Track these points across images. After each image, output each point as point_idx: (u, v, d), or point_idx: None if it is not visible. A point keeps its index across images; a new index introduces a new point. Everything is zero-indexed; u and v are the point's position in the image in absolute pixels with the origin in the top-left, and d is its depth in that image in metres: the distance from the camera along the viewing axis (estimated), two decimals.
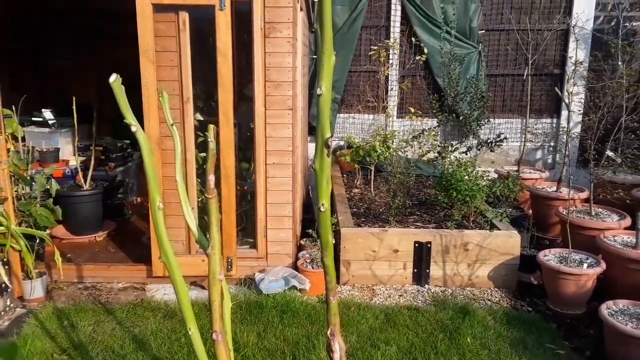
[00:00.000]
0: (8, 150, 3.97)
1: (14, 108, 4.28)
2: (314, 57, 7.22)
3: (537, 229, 5.10)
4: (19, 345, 3.29)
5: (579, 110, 6.71)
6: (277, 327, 3.64)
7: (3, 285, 3.71)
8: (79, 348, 3.33)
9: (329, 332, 1.73)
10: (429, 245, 4.35)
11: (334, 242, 1.73)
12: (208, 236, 1.74)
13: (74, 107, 4.93)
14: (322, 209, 1.63)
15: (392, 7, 7.14)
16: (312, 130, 7.33)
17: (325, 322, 3.68)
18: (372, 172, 6.07)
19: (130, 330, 3.59)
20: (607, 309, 3.34)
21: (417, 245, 4.37)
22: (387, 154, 5.83)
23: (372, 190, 5.98)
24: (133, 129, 1.51)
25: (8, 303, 3.79)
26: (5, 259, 3.73)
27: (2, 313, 3.72)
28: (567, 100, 5.71)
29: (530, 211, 5.69)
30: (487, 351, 3.42)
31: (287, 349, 3.37)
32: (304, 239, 4.87)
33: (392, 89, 7.28)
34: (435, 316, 3.85)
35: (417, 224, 4.79)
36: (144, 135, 1.56)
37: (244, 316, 3.78)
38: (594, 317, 3.89)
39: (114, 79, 1.43)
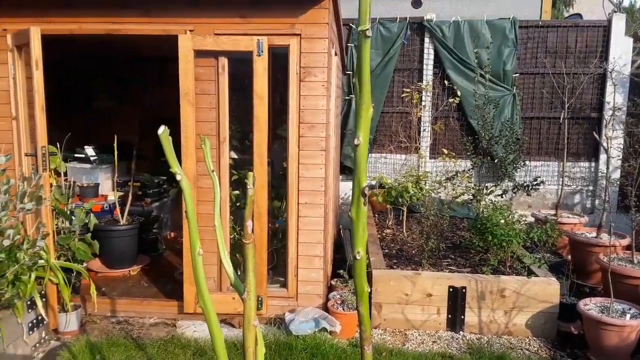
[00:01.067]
0: (51, 185, 4.12)
1: (58, 145, 4.46)
2: (347, 98, 7.33)
3: (577, 276, 4.92)
4: None
5: (618, 156, 6.56)
6: None
7: (40, 317, 3.78)
8: None
9: None
10: (463, 290, 4.24)
11: (369, 290, 1.71)
12: (239, 273, 1.75)
13: (115, 144, 5.11)
14: (357, 257, 1.62)
15: (425, 50, 7.24)
16: (343, 169, 7.38)
17: None
18: (405, 213, 6.02)
19: None
20: None
21: (451, 289, 4.27)
22: (420, 194, 5.79)
23: (404, 231, 5.92)
24: (178, 177, 1.55)
25: (43, 335, 3.85)
26: (43, 292, 3.81)
27: (37, 345, 3.78)
28: (605, 145, 5.59)
29: (570, 257, 5.52)
30: None
31: None
32: (335, 279, 4.83)
33: (424, 130, 7.29)
34: None
35: (451, 267, 4.69)
36: (188, 185, 1.60)
37: (273, 357, 3.74)
38: None
39: (162, 131, 1.49)
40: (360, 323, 1.67)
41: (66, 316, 3.98)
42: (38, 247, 3.42)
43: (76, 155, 6.51)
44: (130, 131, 7.00)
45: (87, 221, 4.60)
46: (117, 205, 5.38)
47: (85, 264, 4.33)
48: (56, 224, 4.24)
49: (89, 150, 6.53)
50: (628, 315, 3.78)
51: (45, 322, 3.85)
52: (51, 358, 3.68)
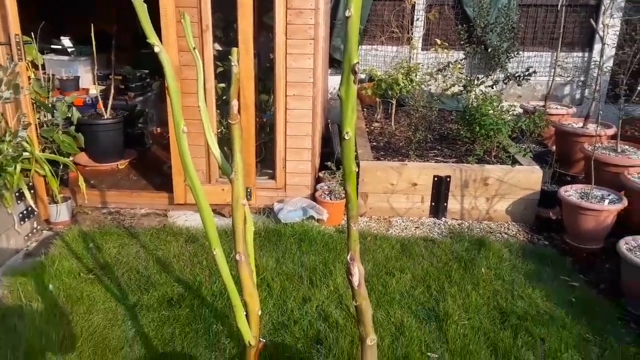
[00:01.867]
0: (29, 78, 3.96)
1: (32, 35, 4.22)
2: None
3: (560, 165, 5.02)
4: (47, 264, 3.43)
5: (613, 44, 6.40)
6: (295, 254, 3.73)
7: (29, 208, 3.82)
8: (104, 268, 3.47)
9: (348, 257, 1.75)
10: (448, 180, 4.33)
11: (357, 170, 1.71)
12: (230, 162, 1.73)
13: (92, 34, 4.85)
14: (346, 137, 1.60)
15: None
16: (333, 62, 7.16)
17: (341, 251, 3.77)
18: (394, 106, 5.96)
19: (154, 253, 3.71)
20: (625, 244, 3.32)
21: (436, 179, 4.35)
22: (410, 87, 5.69)
23: (392, 124, 5.90)
24: (156, 49, 1.45)
25: (35, 225, 3.92)
26: (30, 184, 3.82)
27: (30, 235, 3.86)
28: (601, 33, 5.43)
29: (555, 147, 5.59)
30: (501, 281, 3.47)
31: (304, 274, 3.47)
32: (323, 172, 4.88)
33: (418, 19, 7.00)
34: (450, 247, 3.90)
35: (437, 158, 4.74)
36: (167, 58, 1.52)
37: (263, 243, 3.87)
38: (611, 252, 3.89)
39: None
40: (347, 202, 1.68)
41: (56, 207, 4.03)
42: (20, 137, 3.36)
43: (52, 46, 6.21)
44: (108, 20, 6.62)
45: (69, 115, 4.50)
46: (100, 99, 5.25)
47: (71, 158, 4.31)
48: (38, 118, 4.14)
49: (66, 42, 6.23)
50: (606, 201, 3.91)
51: (35, 212, 3.90)
52: (44, 247, 3.78)
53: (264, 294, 3.26)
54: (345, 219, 4.26)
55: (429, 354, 2.78)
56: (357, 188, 4.43)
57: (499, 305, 3.21)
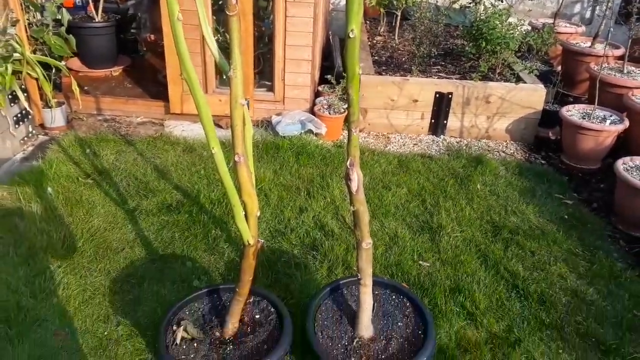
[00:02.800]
0: None
1: None
2: None
3: (564, 86, 4.93)
4: (44, 168, 3.42)
5: None
6: (293, 166, 3.73)
7: (24, 111, 3.75)
8: (102, 174, 3.48)
9: (348, 163, 1.74)
10: (449, 96, 4.25)
11: (360, 72, 1.66)
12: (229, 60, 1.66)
13: None
14: (351, 35, 1.53)
15: None
16: None
17: (339, 165, 3.77)
18: (398, 19, 5.73)
19: (151, 161, 3.70)
20: (622, 164, 3.34)
21: (437, 95, 4.27)
22: None
23: (396, 38, 5.70)
24: None
25: (30, 129, 3.87)
26: (23, 86, 3.72)
27: (26, 139, 3.82)
28: None
29: (560, 67, 5.46)
30: (495, 197, 3.52)
31: (301, 185, 3.49)
32: (322, 85, 4.77)
33: None
34: (447, 164, 3.91)
35: (440, 74, 4.64)
36: None
37: (261, 155, 3.86)
38: (607, 173, 3.92)
39: None
40: (349, 106, 1.65)
41: (51, 112, 3.96)
42: (9, 35, 3.22)
43: None
44: None
45: (59, 17, 4.29)
46: (90, 1, 5.00)
47: (63, 62, 4.17)
48: (27, 19, 3.96)
49: None
50: (608, 121, 3.88)
51: (30, 116, 3.84)
52: (41, 151, 3.75)
53: (261, 203, 3.29)
54: (346, 131, 4.20)
55: (420, 262, 2.87)
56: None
57: (492, 220, 3.27)
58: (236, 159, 1.61)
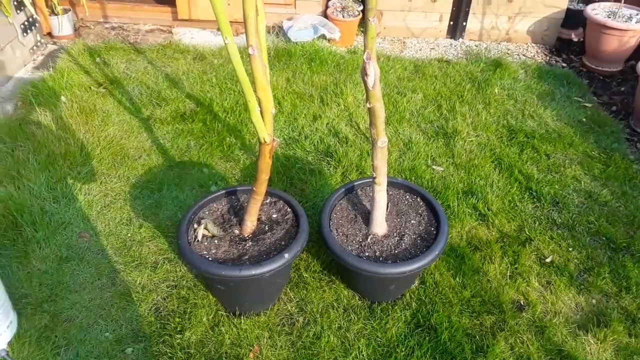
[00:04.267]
0: None
1: None
2: None
3: None
4: (56, 77, 3.40)
5: None
6: (306, 73, 3.66)
7: (31, 19, 3.66)
8: (114, 82, 3.45)
9: (365, 56, 1.69)
10: None
11: None
12: None
13: None
14: None
15: None
16: None
17: (353, 71, 3.69)
18: None
19: (162, 69, 3.65)
20: None
21: None
22: None
23: None
24: None
25: (38, 38, 3.80)
26: None
27: (35, 48, 3.77)
28: None
29: None
30: (513, 101, 3.45)
31: (315, 93, 3.44)
32: None
33: None
34: (465, 68, 3.80)
35: None
36: None
37: (273, 63, 3.78)
38: (629, 75, 3.80)
39: None
40: None
41: (58, 19, 3.86)
42: None
43: None
44: None
45: None
46: None
47: None
48: None
49: None
50: (634, 20, 3.69)
51: (37, 24, 3.75)
52: (51, 60, 3.71)
53: (274, 111, 3.26)
54: (361, 37, 4.06)
55: (434, 166, 2.88)
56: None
57: (508, 124, 3.23)
58: (250, 51, 1.56)
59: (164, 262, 2.27)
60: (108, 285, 2.17)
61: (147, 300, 2.11)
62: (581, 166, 2.92)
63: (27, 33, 3.64)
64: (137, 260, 2.27)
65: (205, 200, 2.14)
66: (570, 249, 2.42)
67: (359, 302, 2.14)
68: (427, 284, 2.21)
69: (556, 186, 2.76)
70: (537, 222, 2.55)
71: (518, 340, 2.02)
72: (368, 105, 1.78)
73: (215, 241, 1.98)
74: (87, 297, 2.12)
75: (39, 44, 3.80)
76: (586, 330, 2.06)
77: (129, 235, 2.40)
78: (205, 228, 1.98)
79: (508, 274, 2.29)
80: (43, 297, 2.11)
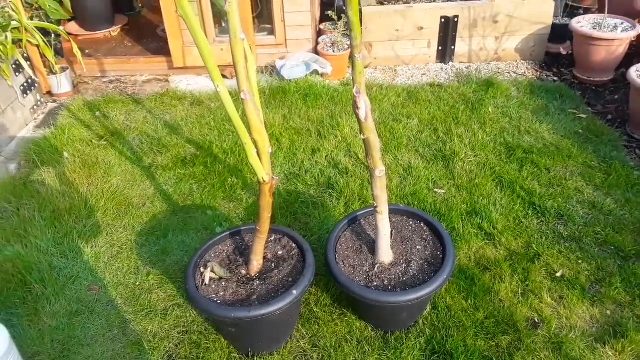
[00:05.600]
0: None
1: None
2: None
3: None
4: (57, 134, 3.47)
5: None
6: (301, 109, 3.72)
7: (30, 80, 3.77)
8: (115, 134, 3.51)
9: (354, 90, 1.73)
10: (455, 20, 4.13)
11: (361, 6, 1.61)
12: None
13: None
14: None
15: None
16: None
17: (347, 103, 3.74)
18: None
19: (161, 117, 3.72)
20: (636, 70, 3.25)
21: (443, 20, 4.15)
22: None
23: None
24: None
25: (38, 98, 3.90)
26: (25, 55, 3.72)
27: (35, 107, 3.86)
28: None
29: None
30: (508, 119, 3.48)
31: (312, 127, 3.49)
32: (324, 23, 4.67)
33: None
34: (457, 91, 3.85)
35: None
36: None
37: (269, 101, 3.85)
38: (621, 83, 3.84)
39: None
40: (350, 30, 1.62)
41: (56, 78, 3.97)
42: (4, 3, 3.19)
43: None
44: None
45: None
46: None
47: (62, 27, 4.13)
48: None
49: None
50: (619, 29, 3.75)
51: (36, 84, 3.85)
52: (52, 118, 3.79)
53: (273, 148, 3.31)
54: (350, 68, 4.12)
55: (436, 190, 2.89)
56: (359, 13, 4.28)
57: (506, 142, 3.25)
58: (242, 96, 1.61)
59: (173, 308, 2.27)
60: (119, 336, 2.17)
61: (159, 348, 2.10)
62: (582, 177, 2.93)
63: (27, 94, 3.74)
64: (147, 309, 2.27)
65: (211, 243, 2.15)
66: (580, 261, 2.40)
67: (372, 333, 2.13)
68: (439, 309, 2.19)
69: (559, 199, 2.76)
70: (544, 237, 2.54)
71: (536, 359, 1.99)
72: (362, 137, 1.81)
73: (223, 283, 1.98)
74: (100, 349, 2.11)
75: (39, 103, 3.89)
76: (604, 343, 2.03)
77: (138, 284, 2.41)
78: (212, 271, 1.99)
79: (520, 292, 2.27)
80: (56, 353, 2.10)
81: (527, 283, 2.30)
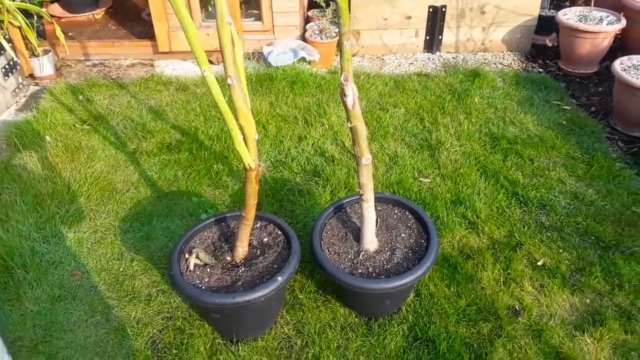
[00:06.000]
0: None
1: None
2: None
3: None
4: (39, 117, 3.41)
5: None
6: (288, 96, 3.70)
7: (11, 62, 3.69)
8: (98, 119, 3.46)
9: (342, 78, 1.73)
10: (443, 10, 4.13)
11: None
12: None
13: None
14: None
15: None
16: None
17: (334, 91, 3.73)
18: None
19: (146, 102, 3.67)
20: (620, 64, 3.29)
21: (431, 10, 4.15)
22: None
23: None
24: None
25: (20, 81, 3.82)
26: (6, 36, 3.63)
27: (17, 90, 3.78)
28: None
29: None
30: (493, 109, 3.51)
31: (299, 115, 3.48)
32: (312, 10, 4.64)
33: None
34: (444, 80, 3.86)
35: None
36: None
37: (255, 88, 3.82)
38: (605, 75, 3.89)
39: None
40: (338, 17, 1.61)
41: (39, 61, 3.89)
42: None
43: None
44: None
45: None
46: None
47: (45, 9, 4.04)
48: None
49: None
50: (605, 22, 3.78)
51: (18, 67, 3.77)
52: (34, 101, 3.72)
53: (260, 135, 3.30)
54: (338, 56, 4.12)
55: (421, 179, 2.91)
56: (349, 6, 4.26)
57: (490, 132, 3.27)
58: (229, 81, 1.60)
59: (157, 294, 2.26)
60: (103, 322, 2.16)
61: (142, 334, 2.10)
62: (565, 168, 2.96)
63: (8, 76, 3.66)
64: (130, 295, 2.26)
65: (196, 229, 2.14)
66: (561, 251, 2.44)
67: (356, 319, 2.14)
68: (423, 296, 2.22)
69: (542, 190, 2.80)
70: (526, 227, 2.58)
71: (516, 346, 2.02)
72: (349, 124, 1.81)
73: (208, 269, 1.98)
74: (82, 335, 2.10)
75: (21, 86, 3.82)
76: (582, 331, 2.07)
77: (121, 269, 2.39)
78: (197, 257, 1.98)
79: (501, 280, 2.30)
80: (37, 338, 2.09)
81: (508, 271, 2.34)
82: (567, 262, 2.39)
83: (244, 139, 1.71)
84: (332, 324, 2.12)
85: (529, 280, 2.30)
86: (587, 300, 2.21)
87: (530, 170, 2.95)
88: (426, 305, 2.18)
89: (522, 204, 2.72)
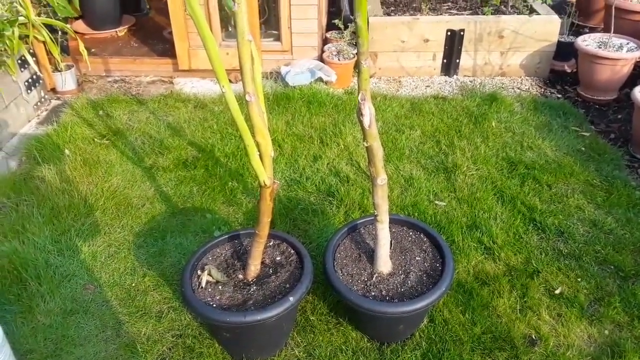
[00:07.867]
0: None
1: None
2: None
3: (579, 15, 4.76)
4: (60, 131, 3.46)
5: None
6: (305, 116, 3.71)
7: (35, 76, 3.77)
8: (117, 134, 3.50)
9: (360, 97, 1.73)
10: (461, 34, 4.14)
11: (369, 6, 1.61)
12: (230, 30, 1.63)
13: None
14: None
15: None
16: None
17: (351, 111, 3.74)
18: None
19: (164, 119, 3.71)
20: None
21: (449, 33, 4.16)
22: None
23: None
24: None
25: (42, 94, 3.90)
26: (31, 51, 3.72)
27: (39, 104, 3.85)
28: None
29: None
30: (511, 134, 3.48)
31: (314, 134, 3.49)
32: (330, 32, 4.68)
33: None
34: (461, 104, 3.85)
35: (451, 11, 4.50)
36: None
37: (272, 107, 3.84)
38: (624, 103, 3.84)
39: None
40: (357, 37, 1.62)
41: (61, 75, 3.97)
42: None
43: None
44: None
45: None
46: None
47: (69, 25, 4.14)
48: None
49: None
50: (624, 49, 3.76)
51: (41, 81, 3.85)
52: (55, 115, 3.79)
53: (275, 154, 3.30)
54: (357, 78, 4.15)
55: (436, 202, 2.88)
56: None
57: (508, 156, 3.24)
58: (247, 98, 1.61)
59: (168, 311, 2.25)
60: (113, 337, 2.15)
61: (152, 351, 2.08)
62: (584, 195, 2.92)
63: (31, 90, 3.74)
64: (141, 310, 2.25)
65: (209, 246, 2.14)
66: (579, 280, 2.39)
67: (368, 344, 2.11)
68: (437, 322, 2.17)
69: (560, 216, 2.75)
70: (544, 254, 2.53)
71: None
72: (365, 144, 1.81)
73: (220, 287, 1.97)
74: (92, 350, 2.09)
75: (42, 99, 3.89)
76: None
77: (133, 285, 2.39)
78: (209, 274, 1.98)
79: (518, 308, 2.25)
80: (48, 352, 2.08)
81: (525, 299, 2.29)
82: (585, 291, 2.33)
83: (260, 155, 1.72)
84: (343, 347, 2.09)
85: (546, 309, 2.24)
86: (606, 332, 2.15)
87: (548, 196, 2.90)
88: (440, 331, 2.14)
89: (540, 231, 2.67)
